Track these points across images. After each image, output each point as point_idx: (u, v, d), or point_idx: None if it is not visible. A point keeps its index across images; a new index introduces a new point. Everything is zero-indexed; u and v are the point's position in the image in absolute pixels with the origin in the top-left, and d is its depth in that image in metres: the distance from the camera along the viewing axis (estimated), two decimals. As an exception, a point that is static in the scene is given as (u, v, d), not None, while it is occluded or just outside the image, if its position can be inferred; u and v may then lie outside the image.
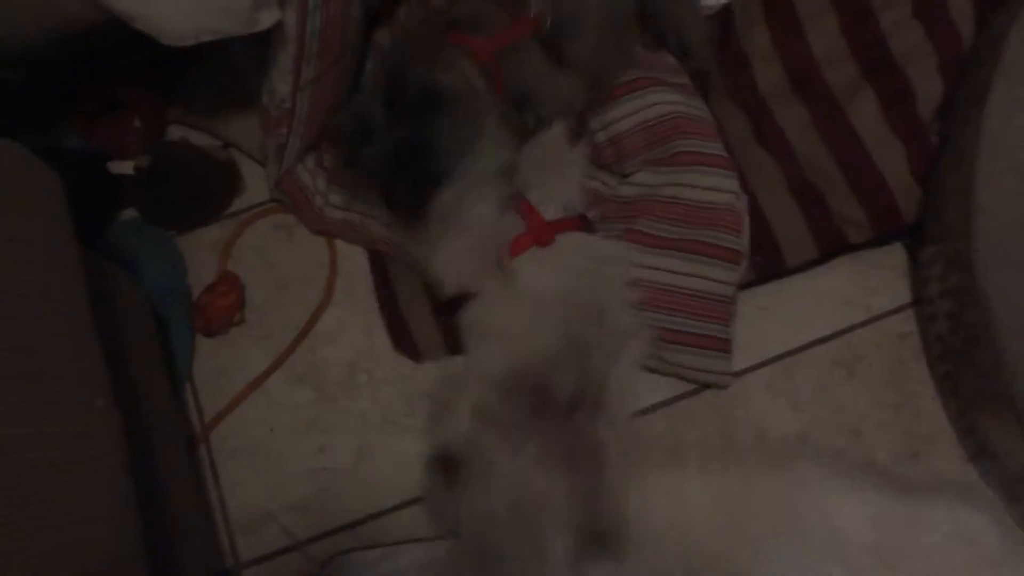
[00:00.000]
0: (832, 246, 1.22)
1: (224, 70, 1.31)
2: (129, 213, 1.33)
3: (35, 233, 0.80)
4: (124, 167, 1.27)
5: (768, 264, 1.22)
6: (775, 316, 1.24)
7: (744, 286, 1.22)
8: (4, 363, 0.71)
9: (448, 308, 1.18)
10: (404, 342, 1.24)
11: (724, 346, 1.17)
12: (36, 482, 0.70)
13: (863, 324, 1.23)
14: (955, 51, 1.22)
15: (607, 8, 1.18)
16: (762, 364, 1.22)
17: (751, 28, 1.31)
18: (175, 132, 1.36)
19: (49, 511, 0.70)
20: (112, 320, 0.98)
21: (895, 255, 1.26)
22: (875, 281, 1.25)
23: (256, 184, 1.34)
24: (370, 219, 1.27)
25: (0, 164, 0.79)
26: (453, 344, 1.21)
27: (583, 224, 1.17)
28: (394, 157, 1.12)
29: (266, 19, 1.02)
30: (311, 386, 1.23)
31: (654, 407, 1.21)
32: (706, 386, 1.20)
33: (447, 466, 1.08)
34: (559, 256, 1.13)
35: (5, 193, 0.78)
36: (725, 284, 1.16)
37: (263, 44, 1.14)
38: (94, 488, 0.74)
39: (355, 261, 1.30)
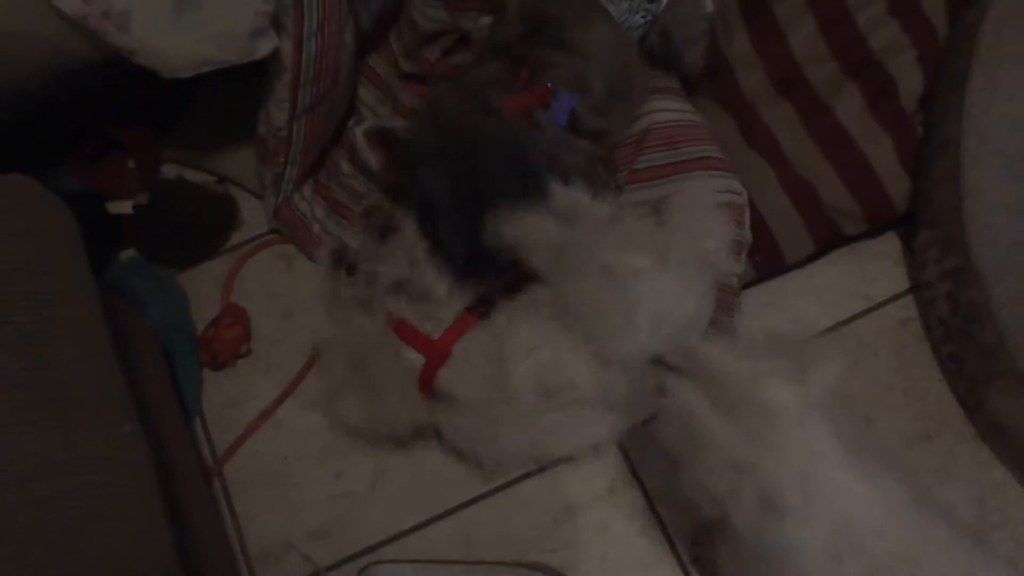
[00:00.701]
0: (828, 239, 1.25)
1: (215, 107, 1.33)
2: (128, 253, 1.33)
3: (55, 262, 0.80)
4: (122, 207, 1.28)
5: (768, 262, 1.24)
6: (778, 311, 1.25)
7: (745, 285, 1.24)
8: (32, 389, 0.71)
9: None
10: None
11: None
12: (69, 507, 0.70)
13: (864, 313, 1.25)
14: (932, 44, 1.26)
15: (616, 70, 1.18)
16: (769, 359, 1.23)
17: (732, 35, 1.35)
18: (170, 170, 1.37)
19: (83, 536, 0.70)
20: (125, 353, 0.99)
21: (890, 244, 1.29)
22: (873, 271, 1.27)
23: (253, 217, 1.34)
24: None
25: (19, 197, 0.80)
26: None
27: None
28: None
29: (264, 47, 1.04)
30: (323, 412, 1.22)
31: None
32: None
33: None
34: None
35: (26, 224, 0.79)
36: (729, 275, 1.17)
37: (255, 79, 1.16)
38: (128, 511, 0.74)
39: (357, 286, 1.30)
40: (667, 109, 1.24)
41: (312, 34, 1.08)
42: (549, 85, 1.12)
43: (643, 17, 1.19)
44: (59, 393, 0.74)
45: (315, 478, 1.19)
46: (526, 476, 1.18)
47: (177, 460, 1.03)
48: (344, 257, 1.18)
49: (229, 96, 1.27)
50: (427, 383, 1.10)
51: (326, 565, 1.15)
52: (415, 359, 1.10)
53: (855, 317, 1.25)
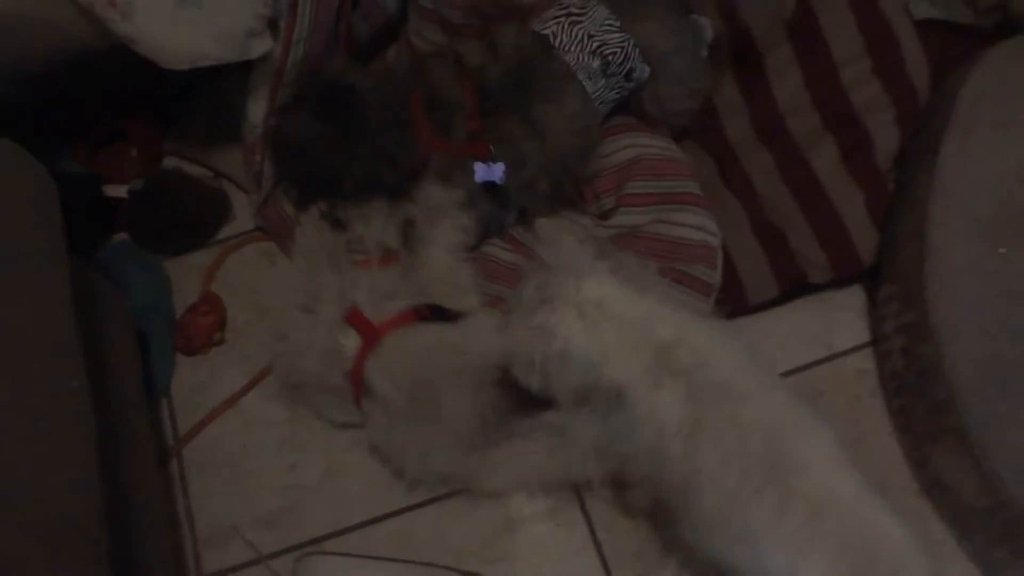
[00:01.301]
0: (793, 285, 1.27)
1: (217, 105, 1.38)
2: (120, 237, 1.38)
3: (28, 224, 0.85)
4: (119, 190, 1.33)
5: (731, 300, 1.26)
6: (738, 351, 1.27)
7: (709, 321, 1.26)
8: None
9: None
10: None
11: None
12: (8, 448, 0.74)
13: (823, 361, 1.27)
14: (911, 105, 1.29)
15: (563, 161, 1.22)
16: (724, 396, 1.25)
17: (721, 81, 1.38)
18: (170, 162, 1.43)
19: (18, 476, 0.73)
20: (93, 325, 1.03)
21: (856, 296, 1.31)
22: (836, 321, 1.29)
23: (245, 213, 1.39)
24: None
25: (2, 160, 0.85)
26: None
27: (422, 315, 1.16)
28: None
29: (258, 47, 1.10)
30: (285, 405, 1.26)
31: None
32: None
33: None
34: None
35: (5, 185, 0.83)
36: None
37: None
38: (63, 460, 0.77)
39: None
40: (654, 145, 1.28)
41: (302, 39, 1.13)
42: (492, 149, 1.17)
43: (618, 93, 1.23)
44: (13, 345, 0.78)
45: (269, 468, 1.23)
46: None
47: (130, 432, 1.06)
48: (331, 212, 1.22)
49: (230, 96, 1.33)
50: (357, 373, 1.13)
51: (268, 553, 1.17)
52: (352, 344, 1.13)
53: (814, 363, 1.27)
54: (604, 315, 0.96)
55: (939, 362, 1.12)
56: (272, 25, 1.11)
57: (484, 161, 1.17)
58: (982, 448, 1.08)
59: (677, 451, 0.94)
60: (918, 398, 1.17)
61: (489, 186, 1.19)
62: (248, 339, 1.31)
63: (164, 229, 1.36)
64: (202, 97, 1.40)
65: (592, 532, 1.18)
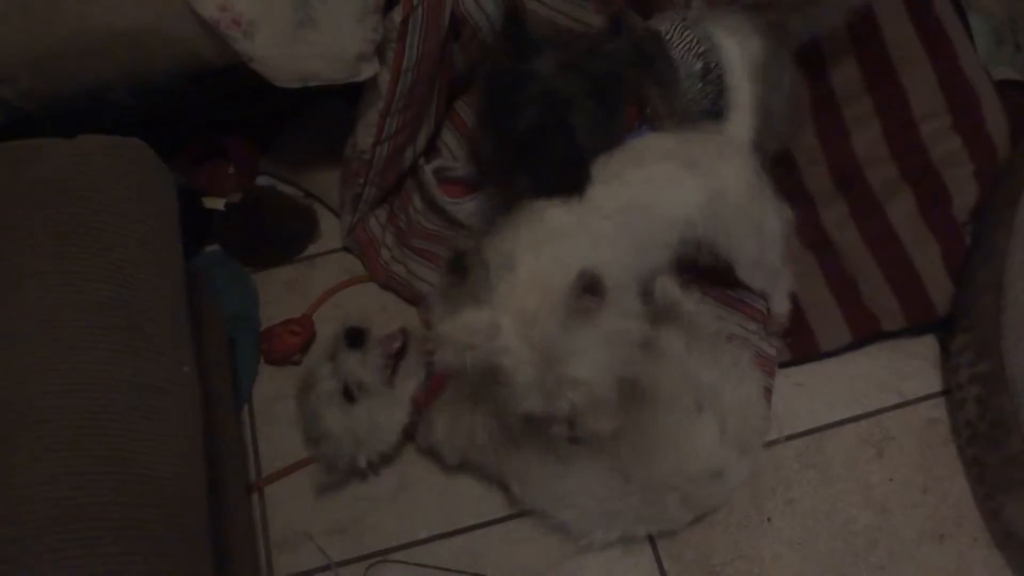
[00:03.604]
0: (866, 333, 1.28)
1: (311, 130, 1.46)
2: (212, 248, 1.44)
3: (152, 216, 0.91)
4: (216, 203, 1.40)
5: (802, 347, 1.29)
6: (809, 393, 1.29)
7: (781, 364, 1.29)
8: (115, 314, 0.81)
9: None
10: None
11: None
12: (122, 420, 0.78)
13: (894, 407, 1.28)
14: (990, 160, 1.32)
15: None
16: (794, 436, 1.26)
17: (800, 129, 1.42)
18: (264, 181, 1.49)
19: (127, 447, 0.78)
20: (194, 323, 1.08)
21: (928, 346, 1.32)
22: (908, 368, 1.30)
23: (331, 233, 1.45)
24: (421, 282, 1.36)
25: (134, 156, 0.92)
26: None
27: None
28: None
29: (367, 70, 1.15)
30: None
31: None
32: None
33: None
34: None
35: (136, 180, 0.91)
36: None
37: (350, 107, 1.28)
38: (177, 437, 0.81)
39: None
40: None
41: (410, 68, 1.19)
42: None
43: (711, 103, 1.24)
44: (136, 324, 0.83)
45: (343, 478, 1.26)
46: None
47: (221, 427, 1.10)
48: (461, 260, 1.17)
49: (324, 122, 1.40)
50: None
51: (339, 560, 1.20)
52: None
53: (884, 410, 1.28)
54: None
55: (1015, 413, 1.13)
56: (379, 50, 1.17)
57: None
58: (1058, 500, 1.08)
59: None
60: (992, 448, 1.17)
61: None
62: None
63: (255, 243, 1.42)
64: (298, 121, 1.48)
65: (659, 561, 1.19)
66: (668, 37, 1.22)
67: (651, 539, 1.20)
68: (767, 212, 1.17)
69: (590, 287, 0.96)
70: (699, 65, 1.21)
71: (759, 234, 1.17)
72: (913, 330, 1.30)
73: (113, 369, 0.79)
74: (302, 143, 1.48)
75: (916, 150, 1.35)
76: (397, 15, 1.14)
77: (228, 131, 1.47)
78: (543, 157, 1.12)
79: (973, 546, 1.18)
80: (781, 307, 1.27)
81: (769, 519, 1.21)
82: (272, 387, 1.33)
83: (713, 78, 1.21)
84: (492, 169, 1.27)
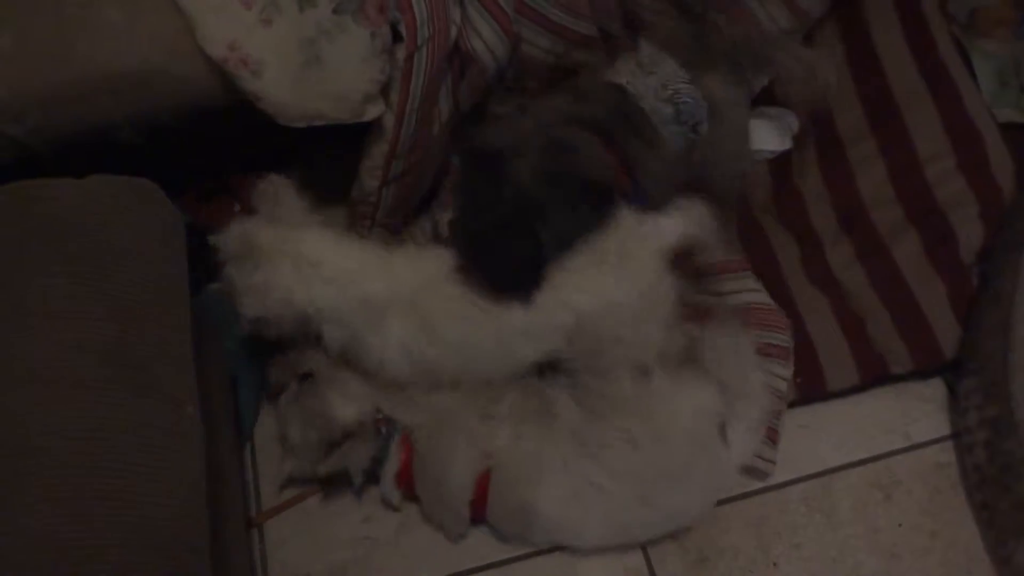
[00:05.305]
0: (874, 374, 1.27)
1: (316, 170, 1.46)
2: (215, 285, 1.44)
3: (158, 255, 0.91)
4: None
5: (810, 386, 1.27)
6: (815, 435, 1.28)
7: (788, 404, 1.27)
8: (118, 353, 0.81)
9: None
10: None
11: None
12: (125, 460, 0.78)
13: (902, 451, 1.27)
14: (996, 202, 1.32)
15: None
16: (800, 479, 1.25)
17: (805, 169, 1.42)
18: (269, 218, 1.49)
19: (138, 489, 0.77)
20: (197, 361, 1.08)
21: (936, 389, 1.31)
22: (916, 411, 1.29)
23: (335, 271, 1.44)
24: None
25: (142, 196, 0.93)
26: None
27: None
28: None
29: (372, 111, 1.16)
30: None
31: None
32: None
33: None
34: None
35: (143, 219, 0.91)
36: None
37: (353, 151, 1.28)
38: (177, 478, 0.81)
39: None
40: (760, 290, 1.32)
41: (414, 110, 1.20)
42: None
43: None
44: (139, 363, 0.83)
45: (345, 517, 1.24)
46: (541, 552, 1.20)
47: (222, 468, 1.09)
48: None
49: (329, 163, 1.41)
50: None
51: (338, 603, 1.18)
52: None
53: (892, 453, 1.26)
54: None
55: (1024, 457, 1.11)
56: (384, 92, 1.18)
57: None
58: (1070, 547, 1.06)
59: None
60: (1002, 493, 1.15)
61: None
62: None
63: (259, 280, 1.42)
64: (303, 162, 1.48)
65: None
66: (632, 90, 1.23)
67: (651, 571, 1.18)
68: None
69: None
70: (669, 110, 1.22)
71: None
72: (920, 373, 1.29)
73: (118, 410, 0.79)
74: (306, 182, 1.48)
75: (921, 191, 1.35)
76: (400, 52, 1.15)
77: (234, 169, 1.47)
78: (501, 260, 1.17)
79: (984, 593, 1.16)
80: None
81: (775, 564, 1.20)
82: (274, 425, 1.32)
83: (685, 118, 1.23)
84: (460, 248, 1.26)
